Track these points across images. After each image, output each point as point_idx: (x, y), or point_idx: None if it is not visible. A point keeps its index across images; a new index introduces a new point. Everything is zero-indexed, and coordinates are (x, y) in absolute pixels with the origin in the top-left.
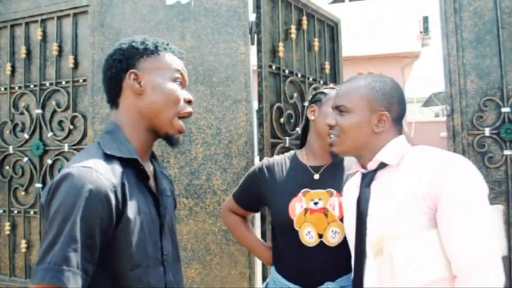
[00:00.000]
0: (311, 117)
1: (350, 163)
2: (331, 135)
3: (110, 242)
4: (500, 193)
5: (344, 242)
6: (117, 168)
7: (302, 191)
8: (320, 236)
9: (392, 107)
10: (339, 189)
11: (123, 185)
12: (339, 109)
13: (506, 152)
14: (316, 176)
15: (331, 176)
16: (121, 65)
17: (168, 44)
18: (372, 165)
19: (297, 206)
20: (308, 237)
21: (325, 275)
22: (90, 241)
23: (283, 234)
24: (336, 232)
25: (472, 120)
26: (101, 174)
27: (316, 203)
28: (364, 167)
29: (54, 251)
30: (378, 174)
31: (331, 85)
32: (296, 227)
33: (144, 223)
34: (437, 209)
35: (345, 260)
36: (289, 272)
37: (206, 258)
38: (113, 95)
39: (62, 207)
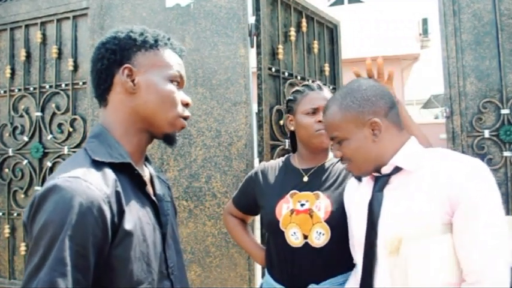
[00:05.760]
0: (290, 127)
1: (339, 165)
2: (345, 164)
3: (107, 259)
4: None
5: (329, 244)
6: (109, 176)
7: (290, 192)
8: (305, 237)
9: (376, 109)
10: (326, 191)
11: (117, 193)
12: (334, 140)
13: (506, 154)
14: (306, 178)
15: (319, 178)
16: (114, 57)
17: (169, 39)
18: (386, 169)
19: (284, 207)
20: (294, 237)
21: (310, 277)
22: (82, 262)
23: (271, 235)
24: (320, 233)
25: (472, 122)
26: (91, 184)
27: (302, 205)
28: (377, 170)
29: (40, 276)
30: (392, 178)
31: (301, 85)
32: (282, 227)
33: (147, 234)
34: (453, 214)
35: (330, 263)
36: (277, 273)
37: (206, 260)
38: (102, 90)
39: (49, 224)
